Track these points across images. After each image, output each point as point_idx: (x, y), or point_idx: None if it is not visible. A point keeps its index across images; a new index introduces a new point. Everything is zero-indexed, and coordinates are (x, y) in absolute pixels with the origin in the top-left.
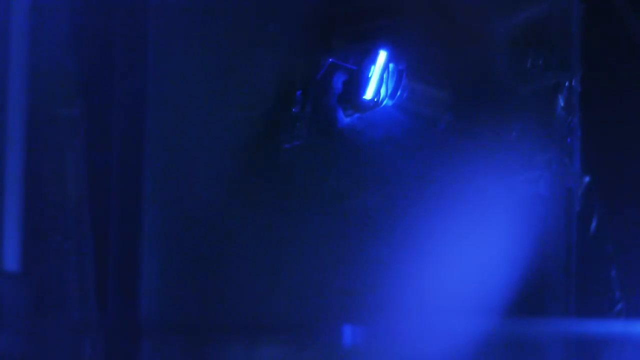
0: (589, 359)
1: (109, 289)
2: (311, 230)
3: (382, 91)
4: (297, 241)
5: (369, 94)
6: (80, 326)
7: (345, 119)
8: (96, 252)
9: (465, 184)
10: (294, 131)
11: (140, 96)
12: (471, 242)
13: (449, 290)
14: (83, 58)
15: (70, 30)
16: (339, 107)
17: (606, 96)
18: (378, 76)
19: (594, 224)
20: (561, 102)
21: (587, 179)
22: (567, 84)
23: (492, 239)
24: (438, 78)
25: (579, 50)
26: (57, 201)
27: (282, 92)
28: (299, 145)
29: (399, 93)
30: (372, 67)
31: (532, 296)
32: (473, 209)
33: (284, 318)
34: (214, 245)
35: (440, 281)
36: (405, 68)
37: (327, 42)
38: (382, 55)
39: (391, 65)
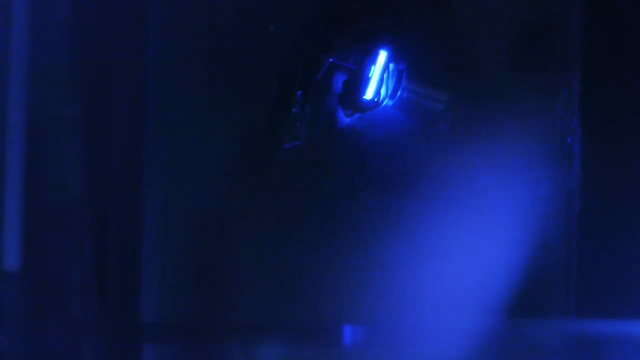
0: (589, 359)
1: (109, 289)
2: (311, 230)
3: (382, 91)
4: (297, 241)
5: (369, 94)
6: (80, 326)
7: (345, 119)
8: (96, 252)
9: (465, 184)
10: (294, 131)
11: (140, 96)
12: (471, 242)
13: (449, 290)
14: (83, 58)
15: (70, 30)
16: (339, 107)
17: (606, 96)
18: (378, 76)
19: (593, 224)
20: (561, 102)
21: (586, 178)
22: (567, 84)
23: (492, 239)
24: (438, 78)
25: (579, 50)
26: (57, 201)
27: (282, 92)
28: (299, 145)
29: (399, 93)
30: (372, 67)
31: (532, 296)
32: (473, 209)
33: (284, 318)
34: (213, 246)
35: (440, 281)
36: (405, 68)
37: (327, 42)
38: (382, 55)
39: (391, 65)
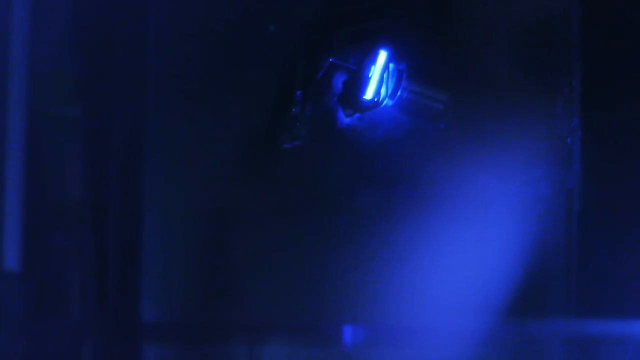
0: (589, 359)
1: (109, 289)
2: (311, 230)
3: (382, 91)
4: (297, 241)
5: (369, 94)
6: (80, 326)
7: (345, 119)
8: (96, 252)
9: (465, 184)
10: (294, 131)
11: (140, 96)
12: (471, 242)
13: (449, 290)
14: (83, 58)
15: (70, 30)
16: (339, 107)
17: (606, 96)
18: (378, 76)
19: (593, 224)
20: (561, 103)
21: (586, 178)
22: (567, 84)
23: (492, 239)
24: (438, 78)
25: (579, 50)
26: (57, 201)
27: (282, 92)
28: (299, 145)
29: (399, 93)
30: (372, 67)
31: (532, 296)
32: (473, 209)
33: (284, 318)
34: (213, 245)
35: (440, 281)
36: (405, 68)
37: (327, 42)
38: (382, 55)
39: (391, 65)
